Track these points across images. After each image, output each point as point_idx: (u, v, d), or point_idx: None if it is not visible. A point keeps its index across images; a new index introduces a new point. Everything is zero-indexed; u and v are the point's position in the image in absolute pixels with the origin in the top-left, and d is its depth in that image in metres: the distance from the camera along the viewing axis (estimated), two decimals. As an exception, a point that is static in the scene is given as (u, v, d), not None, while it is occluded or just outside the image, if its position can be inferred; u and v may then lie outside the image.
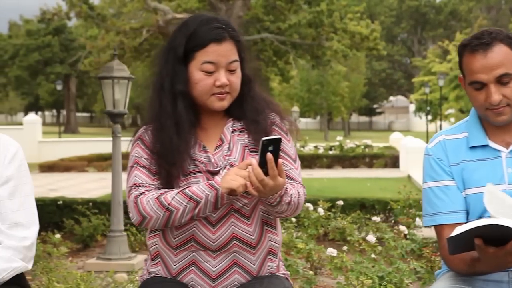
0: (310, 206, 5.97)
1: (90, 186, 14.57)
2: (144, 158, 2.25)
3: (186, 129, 2.24)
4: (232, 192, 2.08)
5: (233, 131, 2.31)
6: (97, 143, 23.13)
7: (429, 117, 51.24)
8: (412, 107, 60.97)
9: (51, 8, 27.49)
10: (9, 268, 2.42)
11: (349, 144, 21.03)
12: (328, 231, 6.13)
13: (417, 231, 5.65)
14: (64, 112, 60.71)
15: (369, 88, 61.83)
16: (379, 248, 4.38)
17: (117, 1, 29.68)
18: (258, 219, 2.28)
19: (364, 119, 78.21)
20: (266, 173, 2.04)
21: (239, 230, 2.23)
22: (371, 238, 4.32)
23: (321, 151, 20.95)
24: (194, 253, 2.25)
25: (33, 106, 63.09)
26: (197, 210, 2.13)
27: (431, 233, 6.45)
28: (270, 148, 2.03)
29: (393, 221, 6.88)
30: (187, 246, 2.25)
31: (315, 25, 26.93)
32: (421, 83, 52.73)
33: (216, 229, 2.22)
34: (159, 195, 2.15)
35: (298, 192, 2.26)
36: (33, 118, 24.72)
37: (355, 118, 73.81)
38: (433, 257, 3.94)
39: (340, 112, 52.17)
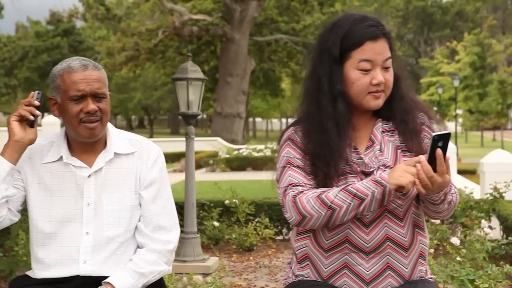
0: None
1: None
2: (297, 159, 2.24)
3: (346, 130, 2.24)
4: (399, 189, 2.06)
5: (383, 132, 2.29)
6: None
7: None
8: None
9: (61, 10, 27.56)
10: (156, 272, 2.44)
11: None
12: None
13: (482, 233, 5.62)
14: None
15: (376, 89, 61.80)
16: (464, 251, 4.35)
17: (124, 2, 29.72)
18: (410, 221, 2.26)
19: (370, 119, 78.14)
20: (434, 170, 2.02)
21: (392, 232, 2.22)
22: (456, 240, 4.30)
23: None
24: (346, 255, 2.23)
25: (41, 108, 63.02)
26: (361, 207, 2.10)
27: (497, 234, 6.41)
28: (440, 144, 2.01)
29: (449, 223, 6.85)
30: (340, 248, 2.23)
31: (330, 25, 26.90)
32: (428, 84, 52.70)
33: (370, 230, 2.20)
34: (319, 194, 2.13)
35: (455, 193, 2.26)
36: (51, 119, 24.65)
37: (361, 118, 73.64)
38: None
39: (349, 112, 52.14)
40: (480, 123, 44.45)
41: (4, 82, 48.80)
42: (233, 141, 25.49)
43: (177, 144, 23.19)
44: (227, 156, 20.74)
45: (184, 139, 4.99)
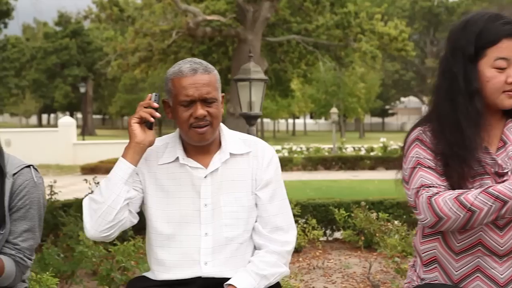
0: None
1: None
2: (427, 159, 2.19)
3: (481, 129, 2.18)
4: None
5: None
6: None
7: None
8: (425, 108, 60.89)
9: (69, 11, 27.54)
10: (277, 273, 2.41)
11: (393, 145, 20.97)
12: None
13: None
14: (77, 114, 60.75)
15: (382, 89, 61.74)
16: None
17: (130, 3, 29.62)
18: None
19: (376, 120, 78.14)
20: None
21: None
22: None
23: (362, 152, 20.87)
24: (478, 258, 2.18)
25: (47, 109, 63.21)
26: (503, 210, 2.03)
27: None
28: None
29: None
30: (472, 251, 2.18)
31: (342, 26, 26.89)
32: (436, 84, 52.67)
33: (504, 233, 2.15)
34: (457, 195, 2.06)
35: None
36: (67, 120, 24.68)
37: (367, 119, 73.70)
38: None
39: (356, 113, 52.13)
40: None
41: (14, 83, 48.84)
42: (246, 142, 25.35)
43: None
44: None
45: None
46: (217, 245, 2.36)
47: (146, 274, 2.49)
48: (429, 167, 2.18)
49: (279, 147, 21.62)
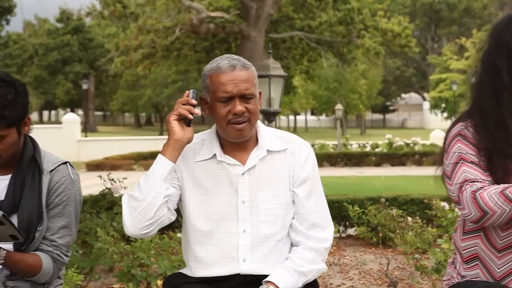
0: (445, 205, 5.89)
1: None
2: (470, 154, 2.17)
3: None
4: None
5: None
6: (134, 142, 23.15)
7: (445, 115, 51.10)
8: (426, 104, 60.83)
9: (71, 7, 27.44)
10: (314, 270, 2.41)
11: (398, 142, 20.96)
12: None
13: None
14: (78, 111, 60.70)
15: (383, 86, 61.70)
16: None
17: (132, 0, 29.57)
18: None
19: (377, 116, 78.07)
20: None
21: None
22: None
23: (367, 149, 20.86)
24: None
25: (48, 105, 63.19)
26: None
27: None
28: None
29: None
30: None
31: (346, 22, 26.85)
32: (437, 81, 52.60)
33: None
34: (503, 189, 2.05)
35: None
36: (72, 117, 24.68)
37: (368, 115, 73.61)
38: None
39: (358, 109, 52.07)
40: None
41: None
42: (248, 139, 25.36)
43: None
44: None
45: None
46: (255, 242, 2.35)
47: (183, 270, 2.49)
48: (472, 162, 2.17)
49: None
